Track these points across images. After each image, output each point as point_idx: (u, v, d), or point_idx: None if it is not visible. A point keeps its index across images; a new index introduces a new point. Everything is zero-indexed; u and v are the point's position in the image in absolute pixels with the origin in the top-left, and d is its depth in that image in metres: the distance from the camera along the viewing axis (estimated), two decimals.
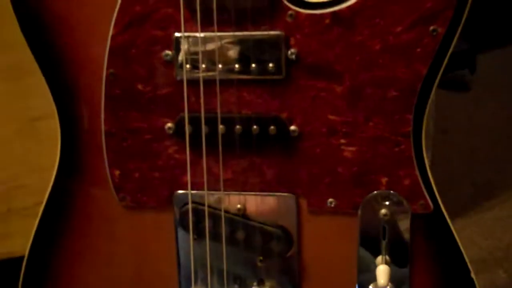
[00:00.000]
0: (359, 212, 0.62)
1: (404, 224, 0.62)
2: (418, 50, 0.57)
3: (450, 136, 1.84)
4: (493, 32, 2.24)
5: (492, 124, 1.91)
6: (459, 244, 0.63)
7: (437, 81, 0.58)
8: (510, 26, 2.25)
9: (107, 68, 0.60)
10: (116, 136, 0.62)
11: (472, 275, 0.63)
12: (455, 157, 1.78)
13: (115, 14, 0.59)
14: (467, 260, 0.63)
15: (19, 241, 0.92)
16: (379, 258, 0.63)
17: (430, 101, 0.59)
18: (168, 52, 0.59)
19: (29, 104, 1.03)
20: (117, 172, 0.63)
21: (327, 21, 0.57)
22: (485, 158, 1.75)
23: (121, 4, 0.58)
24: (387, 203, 0.62)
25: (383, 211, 0.62)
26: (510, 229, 1.52)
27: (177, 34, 0.59)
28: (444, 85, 2.09)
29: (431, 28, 0.56)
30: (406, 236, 0.62)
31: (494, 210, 1.57)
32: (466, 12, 0.56)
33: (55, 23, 0.61)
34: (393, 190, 0.61)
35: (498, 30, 2.26)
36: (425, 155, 0.61)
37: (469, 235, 1.50)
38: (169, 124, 0.61)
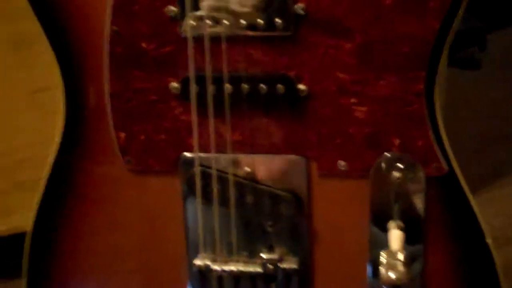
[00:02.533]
0: (371, 174, 0.60)
1: (417, 188, 0.60)
2: (431, 3, 0.55)
3: (459, 114, 1.82)
4: (504, 10, 2.21)
5: (501, 103, 1.88)
6: (474, 208, 0.62)
7: (450, 36, 0.56)
8: None
9: (111, 26, 0.58)
10: (120, 97, 0.60)
11: (488, 240, 0.62)
12: (465, 135, 1.76)
13: None
14: (482, 224, 0.62)
15: (25, 216, 0.91)
16: (392, 223, 0.61)
17: (443, 58, 0.57)
18: (172, 7, 0.57)
19: (32, 75, 1.02)
20: (122, 135, 0.62)
21: None
22: (495, 136, 1.73)
23: None
24: (399, 165, 0.60)
25: (395, 173, 0.60)
26: None
27: None
28: (454, 62, 2.07)
29: None
30: (420, 199, 0.61)
31: (505, 188, 1.55)
32: None
33: None
34: (406, 152, 0.59)
35: (509, 8, 2.23)
36: (438, 115, 0.59)
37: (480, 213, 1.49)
38: (174, 84, 0.60)
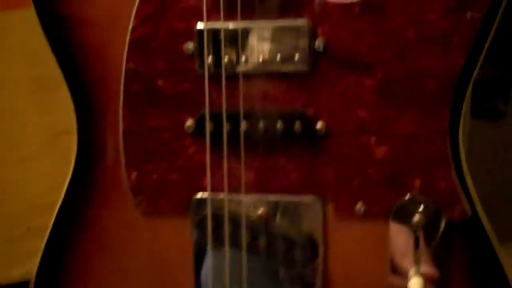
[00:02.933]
0: (391, 218, 0.58)
1: (439, 233, 0.58)
2: (455, 38, 0.53)
3: (485, 165, 1.79)
4: None
5: None
6: (500, 257, 0.58)
7: (476, 72, 0.54)
8: None
9: (127, 63, 0.58)
10: (134, 134, 0.59)
11: None
12: (491, 187, 1.72)
13: (135, 5, 0.56)
14: (507, 273, 0.58)
15: None
16: (412, 270, 0.58)
17: (468, 95, 0.55)
18: (190, 44, 0.57)
19: (53, 119, 1.02)
20: (134, 174, 0.60)
21: (357, 9, 0.54)
22: None
23: None
24: (421, 208, 0.57)
25: (416, 217, 0.57)
26: None
27: (199, 26, 0.56)
28: (477, 114, 2.05)
29: (469, 14, 0.52)
30: (442, 245, 0.58)
31: None
32: None
33: (74, 21, 0.58)
34: (427, 194, 0.57)
35: None
36: (463, 156, 0.57)
37: None
38: (189, 122, 0.58)
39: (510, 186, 1.72)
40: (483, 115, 2.03)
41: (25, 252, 1.06)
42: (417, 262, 0.58)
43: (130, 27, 0.57)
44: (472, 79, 0.54)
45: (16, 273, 1.02)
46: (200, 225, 0.60)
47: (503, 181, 1.74)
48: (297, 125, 0.56)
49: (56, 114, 0.98)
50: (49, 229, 0.64)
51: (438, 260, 0.58)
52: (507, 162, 1.82)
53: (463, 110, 0.55)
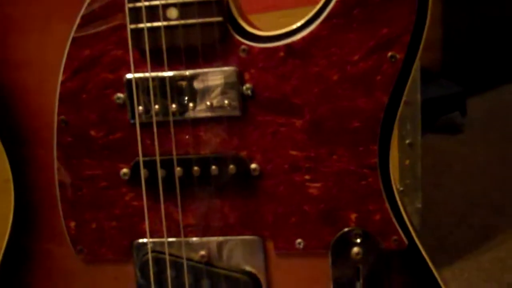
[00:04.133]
0: (330, 252, 0.59)
1: (378, 263, 0.59)
2: (378, 77, 0.55)
3: (444, 179, 1.82)
4: (483, 75, 2.24)
5: (485, 166, 1.88)
6: (439, 280, 0.60)
7: (399, 108, 0.56)
8: (499, 68, 2.25)
9: (58, 115, 0.58)
10: (70, 185, 0.59)
11: None
12: (450, 200, 1.75)
13: (63, 60, 0.57)
14: None
15: None
16: None
17: (394, 130, 0.56)
18: (120, 95, 0.57)
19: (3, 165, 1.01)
20: (72, 224, 0.60)
21: (282, 53, 0.55)
22: (480, 201, 1.72)
23: (69, 49, 0.57)
24: (358, 240, 0.58)
25: (355, 249, 0.58)
26: (509, 270, 1.47)
27: (128, 76, 0.57)
28: (436, 128, 2.08)
29: (389, 54, 0.54)
30: (382, 275, 0.59)
31: (492, 252, 1.53)
32: (424, 35, 0.54)
33: (5, 67, 0.59)
34: (363, 227, 0.58)
35: (488, 73, 2.26)
36: (394, 188, 0.58)
37: (468, 278, 1.46)
38: (125, 170, 0.59)
39: (470, 196, 1.74)
40: (441, 130, 2.07)
41: None
42: None
43: (59, 81, 0.57)
44: (397, 116, 0.55)
45: None
46: (143, 270, 0.60)
47: (463, 192, 1.77)
48: (232, 168, 0.57)
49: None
50: None
51: (378, 287, 0.59)
52: (466, 174, 1.85)
53: (391, 145, 0.57)
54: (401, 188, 1.28)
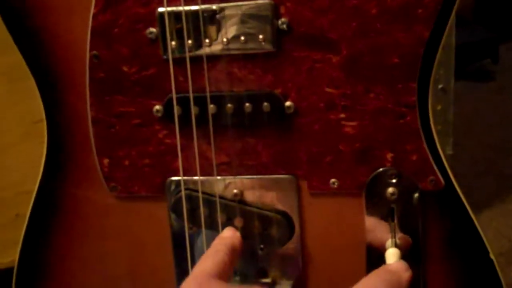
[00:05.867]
0: (364, 192, 0.58)
1: (414, 204, 0.58)
2: (419, 11, 0.52)
3: (474, 127, 1.79)
4: None
5: None
6: (476, 223, 0.59)
7: (441, 45, 0.54)
8: None
9: (90, 50, 0.57)
10: (103, 122, 0.59)
11: (491, 256, 0.59)
12: (479, 148, 1.72)
13: None
14: (484, 239, 0.59)
15: None
16: (389, 241, 0.58)
17: (435, 67, 0.55)
18: (152, 29, 0.56)
19: (32, 106, 1.01)
20: (106, 161, 0.60)
21: None
22: (509, 149, 1.70)
23: None
24: (394, 181, 0.57)
25: (390, 190, 0.57)
26: None
27: (160, 10, 0.55)
28: (467, 75, 2.04)
29: None
30: (417, 216, 0.58)
31: None
32: None
33: (34, 7, 0.58)
34: (399, 167, 0.57)
35: None
36: (433, 127, 0.56)
37: (496, 227, 1.45)
38: (157, 107, 0.58)
39: (499, 145, 1.72)
40: (472, 77, 2.03)
41: (13, 239, 1.07)
42: (393, 233, 0.59)
43: (91, 14, 0.56)
44: (438, 53, 0.53)
45: (5, 260, 1.03)
46: (176, 208, 0.60)
47: (493, 140, 1.74)
48: (266, 106, 0.56)
49: (34, 102, 0.97)
50: (28, 215, 0.64)
51: (414, 230, 0.58)
52: (496, 123, 1.82)
53: (431, 83, 0.55)
54: None
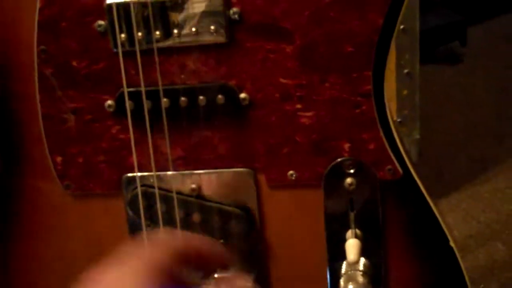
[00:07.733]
0: (323, 183, 0.57)
1: (372, 193, 0.57)
2: None
3: (443, 110, 1.79)
4: (483, 3, 2.19)
5: (484, 96, 1.86)
6: (435, 211, 0.58)
7: (395, 32, 0.53)
8: None
9: (38, 45, 0.55)
10: (54, 118, 0.57)
11: (451, 243, 0.59)
12: (449, 131, 1.73)
13: None
14: (444, 227, 0.59)
15: None
16: (349, 232, 0.58)
17: (389, 55, 0.54)
18: (101, 22, 0.54)
19: None
20: (59, 159, 0.58)
21: None
22: (479, 131, 1.71)
23: None
24: (352, 171, 0.57)
25: (348, 180, 0.57)
26: (508, 200, 1.47)
27: (108, 1, 0.54)
28: (435, 58, 2.04)
29: None
30: (376, 206, 0.58)
31: (491, 183, 1.52)
32: None
33: None
34: (357, 157, 0.56)
35: (489, 1, 2.21)
36: (389, 116, 0.56)
37: (466, 209, 1.46)
38: (109, 102, 0.56)
39: (469, 127, 1.73)
40: (441, 60, 2.03)
41: None
42: (353, 224, 0.58)
43: (37, 8, 0.54)
44: (392, 40, 0.53)
45: None
46: (132, 205, 0.59)
47: (463, 122, 1.75)
48: (220, 98, 0.55)
49: None
50: None
51: (374, 220, 0.58)
52: (465, 104, 1.83)
53: (386, 71, 0.54)
54: (399, 119, 1.26)
